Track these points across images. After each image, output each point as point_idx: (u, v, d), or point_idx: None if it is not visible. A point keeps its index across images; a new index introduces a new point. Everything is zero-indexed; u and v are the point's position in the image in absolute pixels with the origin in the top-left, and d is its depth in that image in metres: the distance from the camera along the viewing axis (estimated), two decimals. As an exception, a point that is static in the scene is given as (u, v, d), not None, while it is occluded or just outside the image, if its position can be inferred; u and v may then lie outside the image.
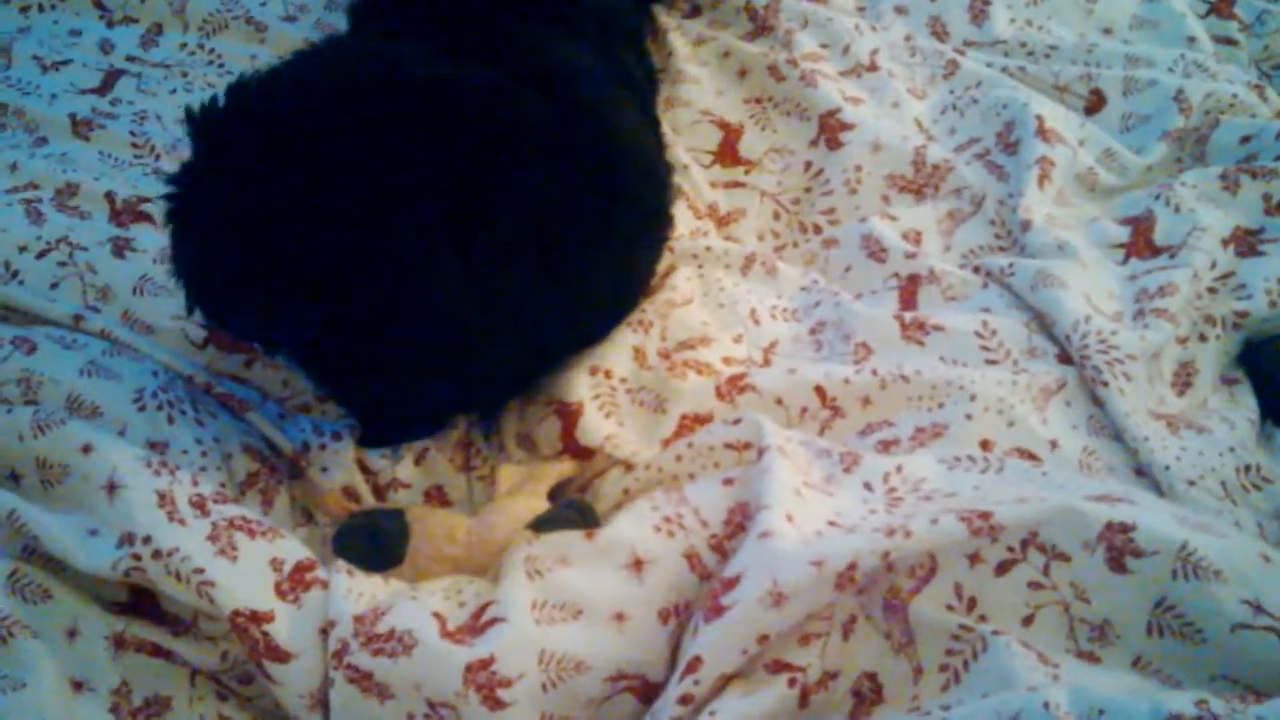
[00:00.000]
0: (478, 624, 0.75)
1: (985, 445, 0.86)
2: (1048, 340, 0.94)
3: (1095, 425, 0.88)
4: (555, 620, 0.74)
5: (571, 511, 0.83)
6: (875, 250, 1.04)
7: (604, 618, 0.74)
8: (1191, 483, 0.82)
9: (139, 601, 0.79)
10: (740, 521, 0.78)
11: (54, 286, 0.97)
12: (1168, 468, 0.83)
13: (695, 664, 0.69)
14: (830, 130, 1.12)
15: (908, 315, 0.96)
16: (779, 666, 0.70)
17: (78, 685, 0.74)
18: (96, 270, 0.98)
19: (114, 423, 0.86)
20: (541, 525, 0.82)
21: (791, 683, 0.69)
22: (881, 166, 1.09)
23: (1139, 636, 0.68)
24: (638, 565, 0.77)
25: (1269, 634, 0.66)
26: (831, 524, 0.74)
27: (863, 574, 0.69)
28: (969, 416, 0.87)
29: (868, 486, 0.80)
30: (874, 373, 0.91)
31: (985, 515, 0.71)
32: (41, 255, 0.99)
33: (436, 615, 0.75)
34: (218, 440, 0.88)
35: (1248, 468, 0.86)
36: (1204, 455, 0.85)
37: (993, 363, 0.92)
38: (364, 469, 0.91)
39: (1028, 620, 0.70)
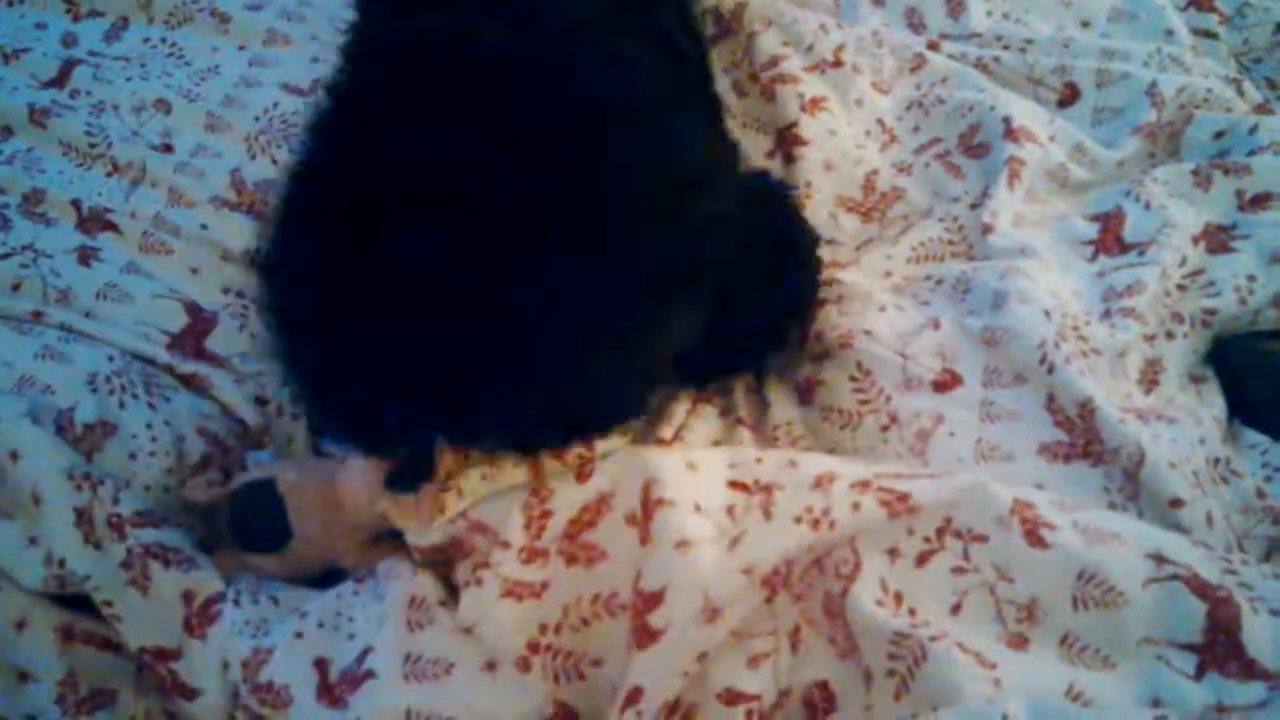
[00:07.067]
0: (359, 672, 0.73)
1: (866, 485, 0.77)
2: (927, 368, 0.91)
3: (985, 449, 0.86)
4: (425, 676, 0.72)
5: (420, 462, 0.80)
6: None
7: (474, 669, 0.73)
8: (1173, 465, 0.81)
9: (86, 595, 0.79)
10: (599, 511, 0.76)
11: (15, 288, 0.97)
12: (1148, 448, 0.82)
13: (635, 695, 0.68)
14: (787, 144, 1.12)
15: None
16: (733, 697, 0.69)
17: (24, 676, 0.75)
18: (60, 274, 0.98)
19: (64, 399, 0.85)
20: (394, 482, 0.79)
21: (749, 714, 0.68)
22: (831, 186, 1.08)
23: (1065, 613, 0.69)
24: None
25: (1175, 582, 0.68)
26: (733, 484, 0.74)
27: (794, 572, 0.69)
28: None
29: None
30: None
31: (903, 497, 0.71)
32: (4, 258, 0.98)
33: (318, 663, 0.74)
34: (169, 423, 0.88)
35: (1217, 460, 0.85)
36: (1177, 443, 0.84)
37: (865, 403, 0.90)
38: (318, 452, 0.92)
39: (955, 609, 0.70)
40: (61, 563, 0.76)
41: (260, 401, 0.93)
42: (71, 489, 0.79)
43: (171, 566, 0.79)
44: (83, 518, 0.78)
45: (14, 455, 0.79)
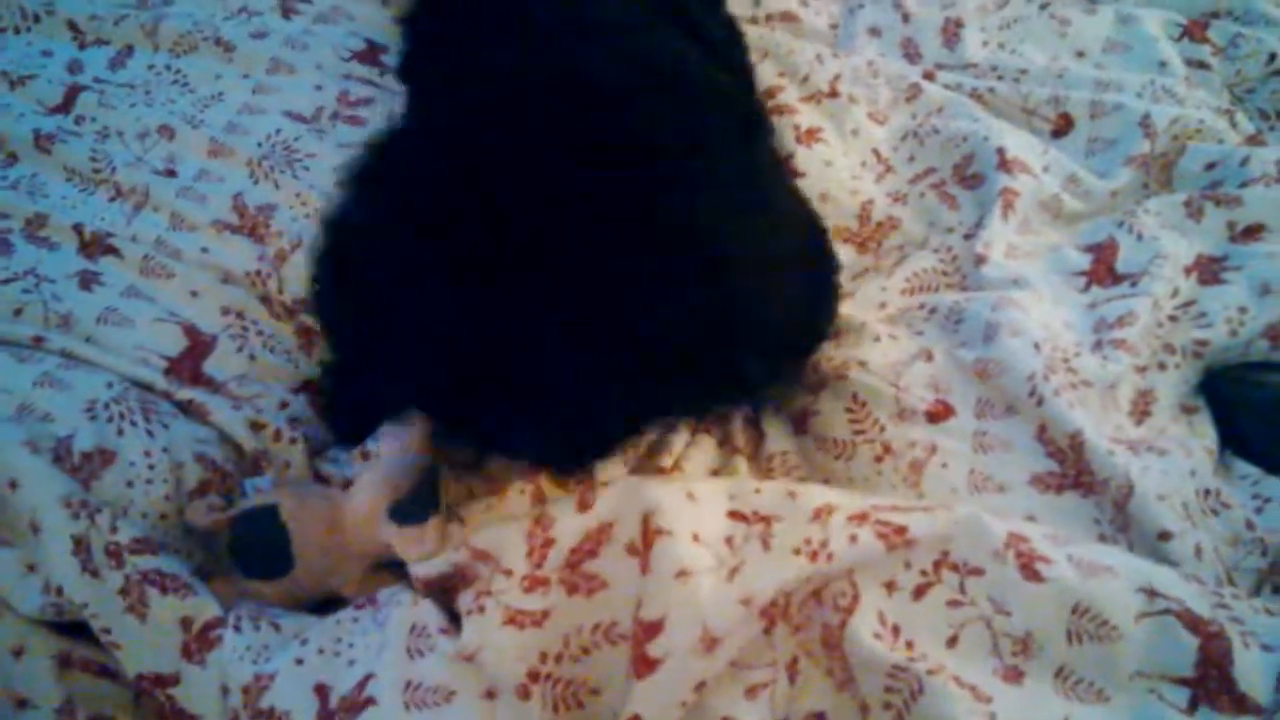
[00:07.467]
0: (359, 698, 0.74)
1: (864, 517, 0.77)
2: (919, 398, 0.91)
3: (978, 480, 0.87)
4: (426, 704, 0.73)
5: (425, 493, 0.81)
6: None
7: (475, 696, 0.73)
8: (1161, 497, 0.82)
9: (84, 622, 0.79)
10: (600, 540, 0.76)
11: (17, 313, 0.97)
12: (1137, 480, 0.82)
13: None
14: (784, 176, 1.12)
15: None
16: None
17: (22, 703, 0.76)
18: (61, 299, 0.98)
19: (63, 427, 0.86)
20: (399, 514, 0.80)
21: None
22: (827, 217, 1.08)
23: (1060, 646, 0.70)
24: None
25: (1167, 616, 0.69)
26: (733, 515, 0.74)
27: (793, 603, 0.70)
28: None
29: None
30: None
31: (900, 530, 0.72)
32: (7, 283, 0.99)
33: (319, 690, 0.75)
34: (167, 450, 0.88)
35: (1208, 491, 0.85)
36: (1167, 475, 0.85)
37: (860, 433, 0.91)
38: (317, 475, 0.93)
39: (952, 641, 0.70)
40: (59, 590, 0.77)
41: (256, 426, 0.94)
42: (69, 517, 0.79)
43: (169, 593, 0.79)
44: (80, 545, 0.78)
45: (13, 484, 0.80)
